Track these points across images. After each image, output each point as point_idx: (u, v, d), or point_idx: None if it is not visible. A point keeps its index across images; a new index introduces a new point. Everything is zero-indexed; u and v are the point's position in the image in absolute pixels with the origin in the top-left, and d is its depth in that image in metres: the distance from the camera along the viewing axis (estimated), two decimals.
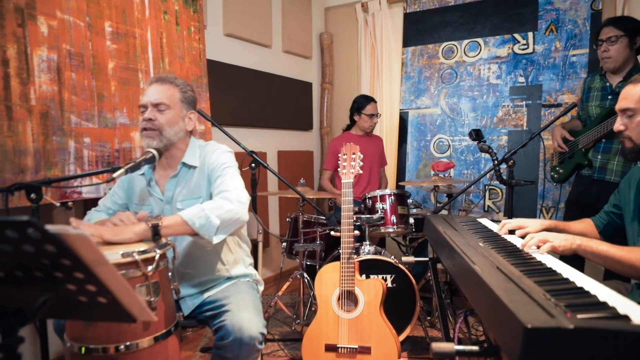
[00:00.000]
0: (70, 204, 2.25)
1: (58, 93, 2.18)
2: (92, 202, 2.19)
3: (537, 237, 1.42)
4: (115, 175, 1.48)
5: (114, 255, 1.26)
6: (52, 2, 2.15)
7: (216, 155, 1.77)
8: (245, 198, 1.63)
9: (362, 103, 3.62)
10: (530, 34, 3.68)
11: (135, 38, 2.54)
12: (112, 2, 2.42)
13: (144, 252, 1.31)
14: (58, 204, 1.86)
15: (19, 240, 0.77)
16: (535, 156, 3.69)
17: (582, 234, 1.69)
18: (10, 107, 2.00)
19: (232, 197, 1.59)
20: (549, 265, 1.21)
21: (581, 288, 0.99)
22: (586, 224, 1.82)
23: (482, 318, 1.03)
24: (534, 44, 3.67)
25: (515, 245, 1.47)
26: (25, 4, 2.05)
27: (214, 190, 1.69)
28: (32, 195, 1.54)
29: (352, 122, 3.75)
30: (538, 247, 1.40)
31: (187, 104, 1.77)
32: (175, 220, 1.49)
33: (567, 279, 1.07)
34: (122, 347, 1.28)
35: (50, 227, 0.75)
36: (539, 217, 3.65)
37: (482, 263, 1.19)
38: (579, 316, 0.80)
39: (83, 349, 1.29)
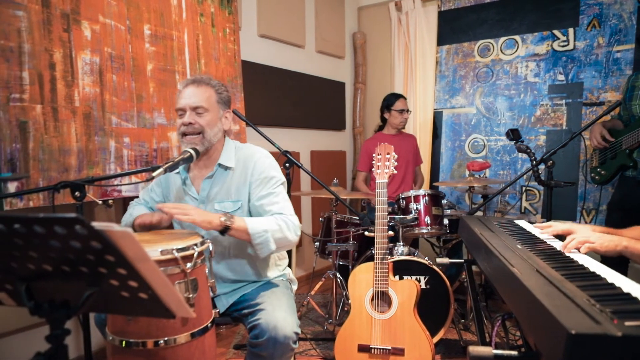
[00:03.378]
0: (110, 201, 2.33)
1: (100, 94, 2.26)
2: (131, 200, 2.26)
3: (578, 238, 1.37)
4: (154, 174, 1.53)
5: (153, 252, 1.30)
6: (95, 7, 2.23)
7: (264, 165, 1.78)
8: (299, 227, 1.75)
9: (390, 100, 3.62)
10: (570, 30, 3.56)
11: (172, 40, 2.61)
12: (151, 6, 2.49)
13: (182, 249, 1.34)
14: (100, 202, 1.93)
15: (67, 236, 0.80)
16: (576, 157, 3.57)
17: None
18: (56, 108, 2.09)
19: (291, 226, 1.70)
20: (592, 269, 1.17)
21: (628, 294, 0.95)
22: (639, 232, 1.73)
23: (522, 322, 1.01)
24: (574, 40, 3.56)
25: (555, 248, 1.42)
26: (71, 10, 2.13)
27: (264, 203, 1.73)
28: (77, 193, 1.60)
29: (384, 122, 3.73)
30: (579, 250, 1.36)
31: (222, 104, 1.80)
32: (242, 228, 1.61)
33: (612, 284, 1.03)
34: (161, 342, 1.32)
35: (96, 224, 0.78)
36: (579, 220, 3.53)
37: (521, 266, 1.16)
38: (627, 323, 0.76)
39: (124, 342, 1.34)
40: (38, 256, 0.86)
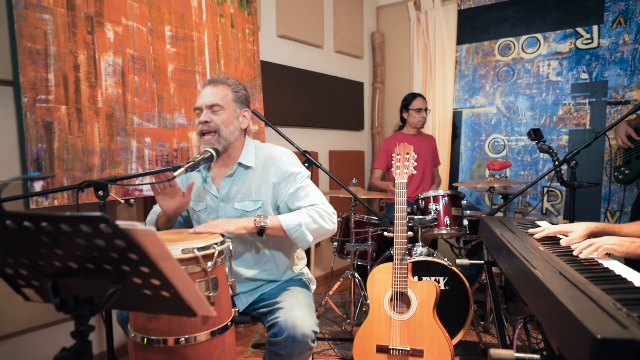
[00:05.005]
0: (132, 200, 2.37)
1: (122, 95, 2.30)
2: (152, 199, 2.29)
3: (598, 244, 1.32)
4: (176, 173, 1.54)
5: (174, 250, 1.31)
6: (118, 10, 2.27)
7: (287, 162, 1.79)
8: (334, 213, 1.78)
9: (408, 99, 3.62)
10: (595, 27, 3.49)
11: (193, 41, 2.64)
12: (172, 8, 2.52)
13: (203, 248, 1.35)
14: (122, 201, 1.96)
15: (92, 234, 0.81)
16: (599, 157, 3.49)
17: (638, 236, 1.54)
18: (80, 109, 2.13)
19: (325, 215, 1.73)
20: (617, 272, 1.14)
21: None
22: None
23: (544, 325, 0.99)
24: (599, 38, 3.48)
25: None
26: (95, 12, 2.17)
27: (294, 200, 1.76)
28: (100, 193, 1.63)
29: (403, 122, 3.71)
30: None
31: (240, 103, 1.80)
32: (277, 225, 1.66)
33: (639, 288, 1.01)
34: (182, 339, 1.33)
35: (121, 223, 0.79)
36: (604, 221, 3.45)
37: (544, 268, 1.14)
38: None
39: (145, 339, 1.36)
40: (64, 254, 0.88)
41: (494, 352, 0.95)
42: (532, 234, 1.59)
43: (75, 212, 0.80)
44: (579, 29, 3.56)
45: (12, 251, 0.92)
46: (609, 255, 1.31)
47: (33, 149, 1.99)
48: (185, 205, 1.75)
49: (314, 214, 1.71)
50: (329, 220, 1.73)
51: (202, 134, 1.75)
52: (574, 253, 1.32)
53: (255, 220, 1.64)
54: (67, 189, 1.89)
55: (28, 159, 1.98)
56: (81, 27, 2.13)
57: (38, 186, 2.01)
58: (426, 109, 3.60)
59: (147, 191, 2.41)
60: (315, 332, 1.59)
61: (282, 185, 1.76)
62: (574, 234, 1.45)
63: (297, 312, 1.59)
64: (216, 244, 1.41)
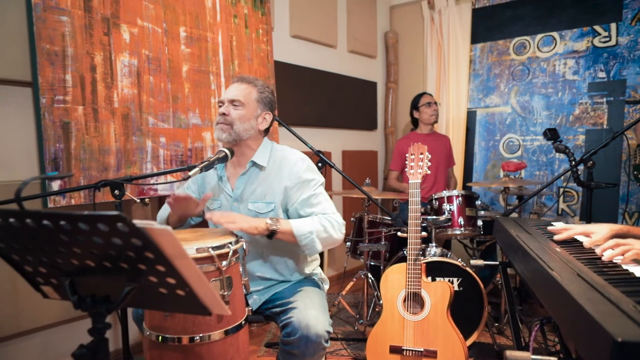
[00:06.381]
0: (147, 200, 2.40)
1: (137, 96, 2.32)
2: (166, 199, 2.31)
3: (624, 247, 1.29)
4: (191, 173, 1.56)
5: (189, 249, 1.32)
6: (134, 11, 2.30)
7: (303, 169, 1.79)
8: (344, 225, 1.77)
9: (416, 99, 3.67)
10: (613, 25, 3.43)
11: (207, 42, 2.65)
12: (187, 9, 2.54)
13: (218, 247, 1.36)
14: (137, 200, 1.98)
15: (109, 233, 0.82)
16: (617, 157, 3.43)
17: None
18: (96, 109, 2.16)
19: (335, 225, 1.72)
20: (637, 274, 1.12)
21: None
22: None
23: (562, 328, 0.98)
24: (617, 36, 3.42)
25: (595, 252, 1.37)
26: (111, 14, 2.20)
27: (306, 206, 1.75)
28: (116, 192, 1.65)
29: (415, 123, 3.71)
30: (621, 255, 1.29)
31: (263, 104, 1.82)
32: (288, 231, 1.65)
33: None
34: (196, 338, 1.34)
35: (137, 222, 0.80)
36: (622, 223, 3.40)
37: (561, 269, 1.12)
38: None
39: (160, 337, 1.37)
40: (81, 252, 0.89)
41: (510, 353, 0.94)
42: (553, 233, 1.55)
43: (93, 211, 0.81)
44: (597, 27, 3.51)
45: (32, 249, 0.94)
46: (636, 261, 1.26)
47: (51, 149, 2.02)
48: (197, 213, 1.78)
49: (325, 222, 1.70)
50: (338, 231, 1.72)
51: (217, 123, 1.78)
52: (598, 252, 1.28)
53: (267, 223, 1.62)
54: (85, 188, 1.91)
55: (46, 159, 2.01)
56: (98, 29, 2.15)
57: (55, 185, 2.04)
58: (435, 102, 3.61)
59: (162, 190, 2.44)
60: (328, 332, 1.59)
61: (294, 190, 1.76)
62: (597, 236, 1.38)
63: (311, 312, 1.59)
64: (230, 243, 1.42)
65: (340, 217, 1.77)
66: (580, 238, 1.46)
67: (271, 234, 1.63)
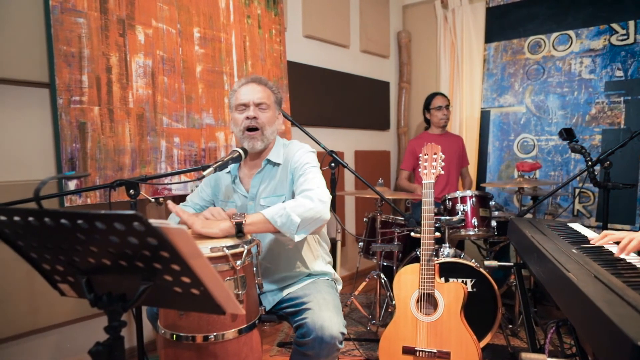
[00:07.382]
0: (161, 199, 2.41)
1: (152, 96, 2.35)
2: (181, 198, 2.33)
3: (638, 238, 1.27)
4: (205, 173, 1.56)
5: (204, 249, 1.33)
6: (149, 12, 2.32)
7: (299, 155, 1.79)
8: (327, 197, 1.62)
9: (428, 99, 3.64)
10: (631, 23, 3.37)
11: (220, 42, 2.67)
12: (201, 10, 2.56)
13: (232, 247, 1.37)
14: (152, 200, 2.00)
15: (125, 232, 0.83)
16: (635, 157, 3.38)
17: None
18: (112, 110, 2.18)
19: (314, 196, 1.59)
20: None
21: None
22: None
23: (579, 331, 0.97)
24: (635, 34, 3.36)
25: (613, 253, 1.35)
26: (126, 15, 2.22)
27: (296, 189, 1.72)
28: (131, 191, 1.66)
29: (428, 122, 3.70)
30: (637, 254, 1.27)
31: (278, 105, 1.85)
32: (257, 218, 1.51)
33: None
34: (210, 337, 1.35)
35: (153, 221, 0.81)
36: (639, 224, 3.34)
37: (578, 271, 1.11)
38: None
39: (174, 336, 1.38)
40: (98, 251, 0.91)
41: (525, 355, 0.93)
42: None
43: (109, 210, 0.81)
44: (614, 25, 3.45)
45: (50, 248, 0.95)
46: None
47: (67, 149, 2.05)
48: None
49: (300, 198, 1.59)
50: (317, 201, 1.57)
51: (248, 129, 1.74)
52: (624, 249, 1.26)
53: (231, 219, 1.49)
54: (101, 188, 1.94)
55: (63, 159, 2.04)
56: (113, 30, 2.18)
57: (72, 185, 2.07)
58: (447, 106, 3.57)
59: (176, 190, 2.46)
60: (342, 334, 1.58)
61: (295, 178, 1.75)
62: (635, 242, 1.30)
63: (325, 314, 1.59)
64: (245, 242, 1.42)
65: (322, 190, 1.63)
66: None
67: (238, 229, 1.47)
